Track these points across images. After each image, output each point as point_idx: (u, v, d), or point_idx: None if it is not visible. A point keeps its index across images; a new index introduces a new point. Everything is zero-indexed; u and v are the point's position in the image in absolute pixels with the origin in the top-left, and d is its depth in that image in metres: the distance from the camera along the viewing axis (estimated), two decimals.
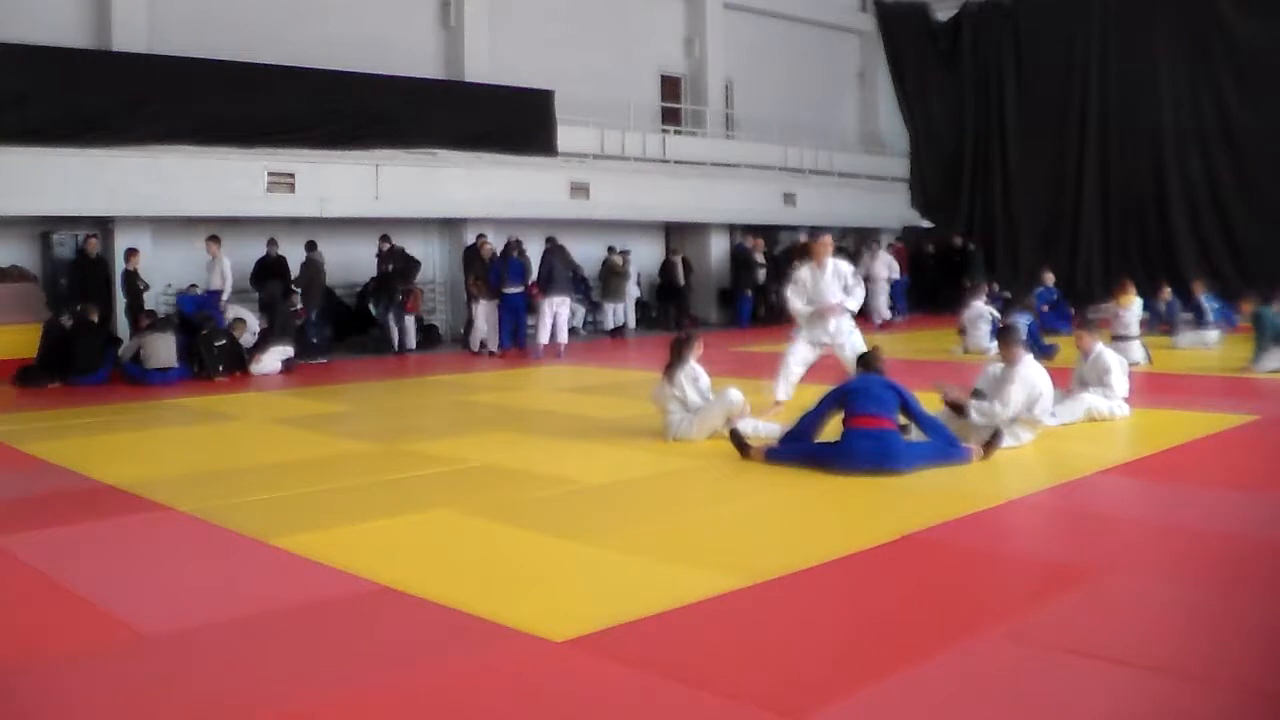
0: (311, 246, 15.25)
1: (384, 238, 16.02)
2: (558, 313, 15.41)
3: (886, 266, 20.84)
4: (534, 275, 15.54)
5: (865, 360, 7.33)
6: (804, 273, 9.10)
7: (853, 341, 8.81)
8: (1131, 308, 12.85)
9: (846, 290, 8.97)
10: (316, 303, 15.15)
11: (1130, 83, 22.36)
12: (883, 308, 20.35)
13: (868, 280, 18.05)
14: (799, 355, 9.06)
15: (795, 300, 9.06)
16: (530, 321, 15.90)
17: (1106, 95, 22.92)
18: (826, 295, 8.90)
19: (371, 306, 16.55)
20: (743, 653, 3.74)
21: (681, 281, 20.08)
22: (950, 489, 6.16)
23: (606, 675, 3.54)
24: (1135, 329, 12.77)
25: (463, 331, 16.87)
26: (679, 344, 8.04)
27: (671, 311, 20.20)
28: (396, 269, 15.82)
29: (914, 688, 3.40)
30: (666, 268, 20.46)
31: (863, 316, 16.77)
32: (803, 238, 19.57)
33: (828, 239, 9.26)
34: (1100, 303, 13.94)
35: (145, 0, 15.23)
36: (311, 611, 4.25)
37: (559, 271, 15.37)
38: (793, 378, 9.00)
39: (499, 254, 15.62)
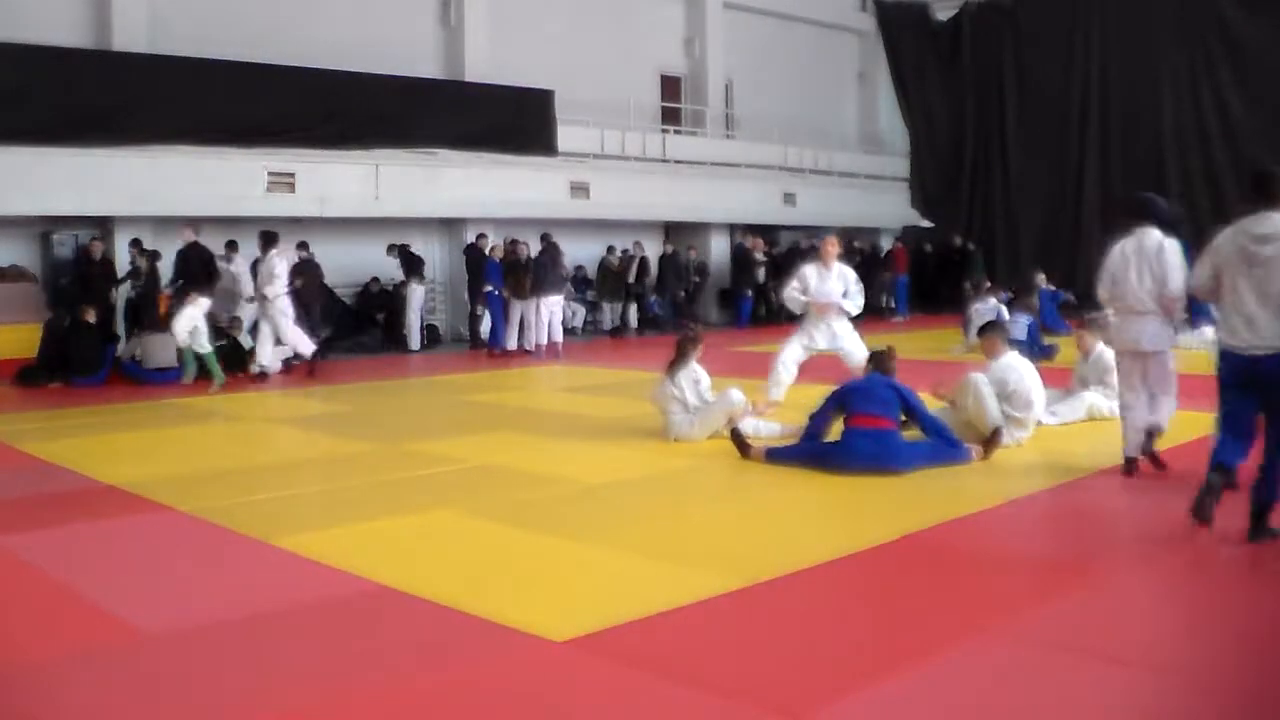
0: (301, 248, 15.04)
1: (134, 242, 13.98)
2: (552, 312, 15.41)
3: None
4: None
5: (876, 359, 7.30)
6: (809, 270, 9.10)
7: (856, 344, 8.82)
8: None
9: (847, 294, 8.98)
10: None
11: (1130, 82, 22.33)
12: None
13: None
14: (789, 355, 9.06)
15: (793, 291, 9.06)
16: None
17: (1107, 94, 22.89)
18: (828, 295, 8.90)
19: (122, 330, 13.54)
20: (743, 653, 3.74)
21: (632, 279, 19.15)
22: (950, 489, 6.16)
23: (606, 675, 3.54)
24: None
25: (467, 332, 16.81)
26: (683, 343, 8.01)
27: (625, 312, 19.17)
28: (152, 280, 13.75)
29: (914, 687, 3.40)
30: (603, 266, 19.17)
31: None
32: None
33: (834, 239, 9.26)
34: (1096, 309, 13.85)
35: (145, 0, 15.24)
36: (311, 611, 4.25)
37: (550, 271, 15.34)
38: (782, 379, 9.00)
39: (491, 254, 15.50)
